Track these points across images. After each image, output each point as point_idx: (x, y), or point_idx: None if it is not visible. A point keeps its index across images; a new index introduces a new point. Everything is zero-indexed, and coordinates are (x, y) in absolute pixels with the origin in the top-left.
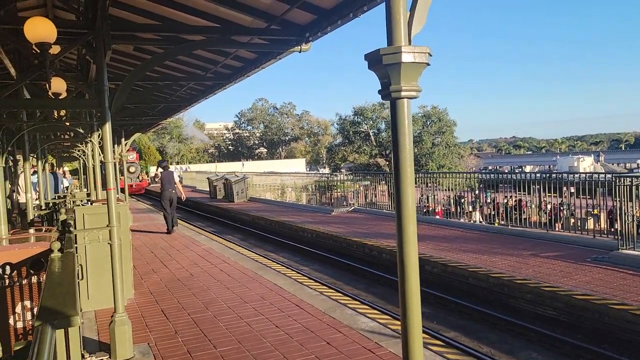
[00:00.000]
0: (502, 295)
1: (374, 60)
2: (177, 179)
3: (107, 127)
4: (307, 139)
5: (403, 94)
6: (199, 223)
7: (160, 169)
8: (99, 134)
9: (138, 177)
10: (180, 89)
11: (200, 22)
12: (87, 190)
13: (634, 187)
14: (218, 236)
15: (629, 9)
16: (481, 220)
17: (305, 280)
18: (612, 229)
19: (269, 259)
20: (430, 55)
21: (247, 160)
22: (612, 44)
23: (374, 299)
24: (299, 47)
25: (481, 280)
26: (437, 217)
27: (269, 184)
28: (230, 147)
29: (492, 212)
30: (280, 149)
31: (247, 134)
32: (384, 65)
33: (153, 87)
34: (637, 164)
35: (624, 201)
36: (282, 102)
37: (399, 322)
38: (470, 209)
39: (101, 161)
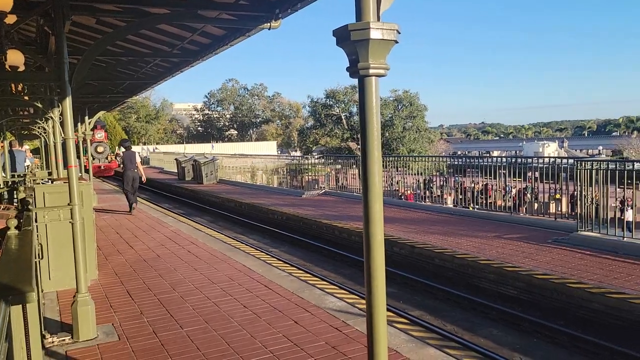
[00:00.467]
0: (466, 275)
1: (342, 36)
2: (138, 160)
3: (68, 102)
4: (278, 121)
5: (371, 71)
6: (166, 204)
7: (122, 149)
8: (60, 110)
9: (107, 158)
10: (145, 66)
11: None
12: (49, 169)
13: (593, 172)
14: (186, 218)
15: None
16: (455, 204)
17: (275, 261)
18: (573, 212)
19: (238, 241)
20: (399, 33)
21: (217, 142)
22: (579, 33)
23: (342, 279)
24: (269, 23)
25: (447, 260)
26: (409, 200)
27: (239, 166)
28: (199, 128)
29: (461, 197)
30: (251, 131)
31: (217, 115)
32: (352, 42)
33: (117, 62)
34: (599, 150)
35: (584, 185)
36: (253, 83)
37: (365, 302)
38: (440, 194)
39: (62, 138)
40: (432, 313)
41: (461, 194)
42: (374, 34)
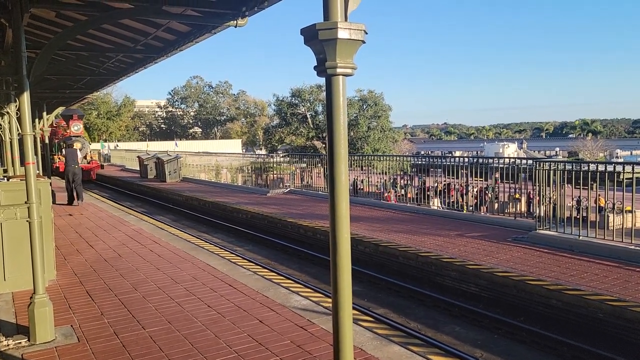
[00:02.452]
0: (430, 273)
1: (310, 35)
2: (79, 157)
3: (25, 96)
4: (243, 119)
5: (339, 70)
6: (128, 203)
7: (66, 147)
8: (17, 105)
9: (85, 157)
10: (107, 61)
11: None
12: (4, 167)
13: (551, 172)
14: (148, 216)
15: None
16: (441, 206)
17: (239, 260)
18: (529, 212)
19: (202, 240)
20: (366, 33)
21: (180, 139)
22: (538, 35)
23: (307, 278)
24: (235, 21)
25: (411, 259)
26: (389, 202)
27: (203, 164)
28: (162, 125)
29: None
30: (216, 129)
31: (181, 113)
32: (319, 41)
33: (77, 57)
34: (556, 152)
35: (543, 185)
36: (218, 80)
37: (330, 300)
38: (404, 193)
39: (19, 134)
40: (396, 311)
41: (436, 195)
42: (342, 33)
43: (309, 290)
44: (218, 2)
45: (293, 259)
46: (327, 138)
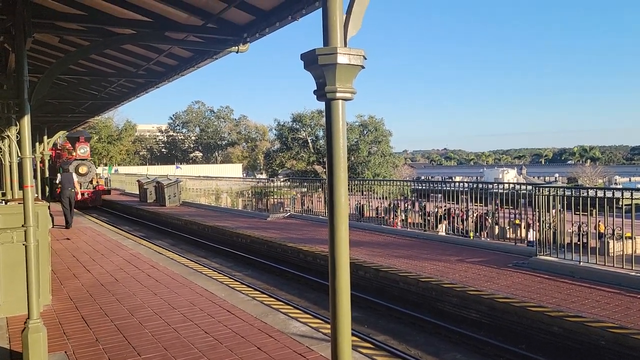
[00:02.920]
0: (430, 298)
1: (310, 60)
2: (75, 180)
3: (26, 120)
4: (244, 144)
5: (338, 95)
6: (126, 227)
7: (62, 171)
8: (17, 128)
9: (91, 182)
10: (109, 86)
11: (131, 15)
12: (3, 190)
13: (551, 198)
14: (147, 241)
15: (561, 27)
16: (449, 232)
17: (238, 285)
18: (528, 237)
19: (200, 264)
20: (366, 59)
21: (181, 163)
22: (537, 65)
23: (307, 304)
24: (237, 47)
25: (411, 284)
26: (395, 227)
27: (203, 189)
28: (163, 149)
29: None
30: (217, 154)
31: (182, 137)
32: (319, 66)
33: (79, 82)
34: (555, 178)
35: (543, 210)
36: (220, 105)
37: (330, 326)
38: (405, 217)
39: (19, 157)
40: (396, 337)
41: (426, 217)
42: (341, 59)
43: (309, 316)
44: (219, 28)
45: (292, 284)
46: (326, 161)
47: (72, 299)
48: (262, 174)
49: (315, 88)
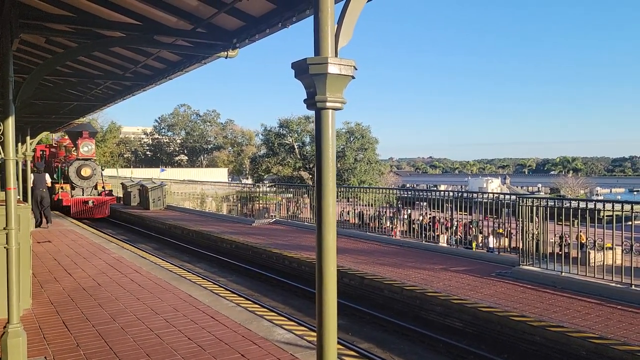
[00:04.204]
0: (414, 307)
1: (301, 69)
2: (48, 181)
3: (10, 121)
4: (230, 148)
5: (328, 104)
6: (109, 230)
7: (33, 172)
8: (0, 129)
9: (96, 187)
10: (95, 88)
11: (120, 18)
12: None
13: (534, 208)
14: (130, 244)
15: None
16: (448, 243)
17: (222, 291)
18: (510, 247)
19: (184, 270)
20: (356, 69)
21: (166, 167)
22: (522, 76)
23: (291, 310)
24: (226, 52)
25: (396, 292)
26: (394, 237)
27: (188, 192)
28: (148, 152)
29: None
30: (202, 157)
31: (167, 140)
32: (310, 75)
33: (65, 83)
34: (538, 188)
35: (526, 220)
36: (206, 109)
37: (314, 334)
38: (389, 225)
39: (1, 158)
40: (380, 345)
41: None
42: (332, 68)
43: (293, 323)
44: (209, 33)
45: (277, 290)
46: (315, 170)
47: (53, 303)
48: (247, 178)
49: (306, 97)
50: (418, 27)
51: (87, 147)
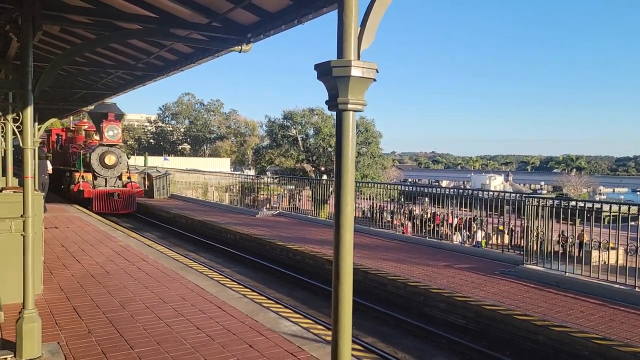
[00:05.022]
0: (418, 303)
1: (324, 71)
2: (49, 167)
3: (29, 111)
4: (233, 138)
5: (350, 106)
6: (114, 218)
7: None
8: (14, 116)
9: (120, 177)
10: (106, 77)
11: (137, 11)
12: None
13: (539, 208)
14: (136, 233)
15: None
16: (478, 241)
17: (228, 282)
18: (511, 244)
19: (189, 259)
20: (377, 72)
21: (169, 155)
22: (527, 72)
23: (296, 303)
24: (240, 47)
25: (399, 287)
26: (405, 234)
27: (191, 182)
28: (151, 140)
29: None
30: (205, 147)
31: (171, 129)
32: (333, 77)
33: (78, 72)
34: (541, 186)
35: (531, 220)
36: (210, 98)
37: (320, 327)
38: (390, 219)
39: (14, 145)
40: (384, 340)
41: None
42: (355, 71)
43: (299, 315)
44: (224, 27)
45: (281, 282)
46: (334, 170)
47: (63, 289)
48: (250, 169)
49: (327, 98)
50: (420, 23)
51: (112, 132)
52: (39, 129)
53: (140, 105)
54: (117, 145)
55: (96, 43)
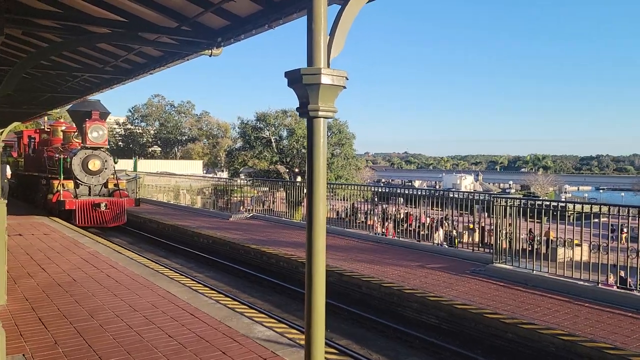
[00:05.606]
0: (392, 304)
1: (294, 79)
2: (8, 172)
3: None
4: (205, 140)
5: (320, 113)
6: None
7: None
8: None
9: (106, 186)
10: (72, 80)
11: (105, 15)
12: None
13: (507, 207)
14: (104, 238)
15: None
16: (441, 242)
17: (201, 287)
18: (484, 243)
19: (161, 265)
20: (347, 79)
21: (139, 158)
22: (495, 73)
23: (270, 307)
24: (210, 50)
25: (374, 289)
26: (386, 236)
27: (162, 185)
28: (120, 143)
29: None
30: (176, 149)
31: (140, 131)
32: (303, 85)
33: (43, 75)
34: (509, 185)
35: (500, 219)
36: (181, 100)
37: (295, 331)
38: (364, 220)
39: None
40: (359, 342)
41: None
42: (325, 79)
43: (273, 320)
44: (194, 31)
45: (255, 286)
46: (306, 177)
47: (28, 299)
48: (223, 171)
49: (298, 105)
50: (389, 17)
51: (97, 132)
52: (0, 133)
53: (108, 108)
54: (102, 147)
55: (62, 47)
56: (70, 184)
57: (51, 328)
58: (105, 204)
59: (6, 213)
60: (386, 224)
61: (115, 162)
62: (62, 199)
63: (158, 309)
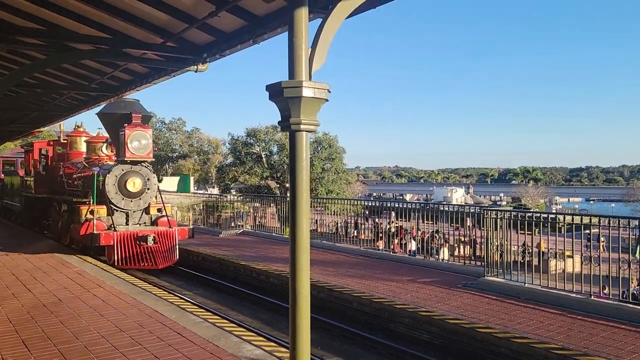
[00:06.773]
0: (383, 319)
1: (276, 92)
2: None
3: None
4: (196, 156)
5: (302, 127)
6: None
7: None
8: None
9: (148, 212)
10: (59, 98)
11: (89, 32)
12: None
13: (498, 220)
14: (92, 257)
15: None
16: (448, 259)
17: (189, 306)
18: (476, 256)
19: (149, 283)
20: (329, 92)
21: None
22: (483, 87)
23: (260, 325)
24: (196, 66)
25: (365, 304)
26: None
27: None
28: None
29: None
30: (167, 166)
31: None
32: (285, 98)
33: (29, 93)
34: (500, 197)
35: (490, 232)
36: (172, 117)
37: (284, 350)
38: (356, 234)
39: None
40: (350, 359)
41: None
42: (306, 92)
43: (262, 338)
44: (179, 47)
45: (245, 303)
46: (289, 191)
47: (12, 321)
48: (214, 187)
49: (280, 119)
50: (380, 37)
51: (139, 142)
52: None
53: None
54: (144, 161)
55: (46, 64)
56: (102, 211)
57: (34, 350)
58: (154, 237)
59: None
60: (394, 241)
61: (160, 181)
62: (95, 232)
63: (145, 328)
